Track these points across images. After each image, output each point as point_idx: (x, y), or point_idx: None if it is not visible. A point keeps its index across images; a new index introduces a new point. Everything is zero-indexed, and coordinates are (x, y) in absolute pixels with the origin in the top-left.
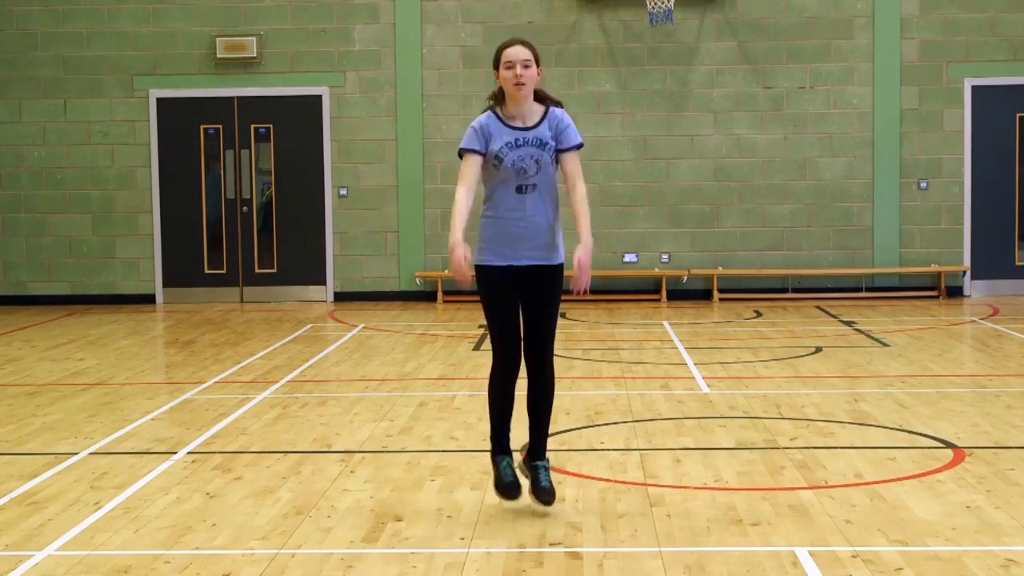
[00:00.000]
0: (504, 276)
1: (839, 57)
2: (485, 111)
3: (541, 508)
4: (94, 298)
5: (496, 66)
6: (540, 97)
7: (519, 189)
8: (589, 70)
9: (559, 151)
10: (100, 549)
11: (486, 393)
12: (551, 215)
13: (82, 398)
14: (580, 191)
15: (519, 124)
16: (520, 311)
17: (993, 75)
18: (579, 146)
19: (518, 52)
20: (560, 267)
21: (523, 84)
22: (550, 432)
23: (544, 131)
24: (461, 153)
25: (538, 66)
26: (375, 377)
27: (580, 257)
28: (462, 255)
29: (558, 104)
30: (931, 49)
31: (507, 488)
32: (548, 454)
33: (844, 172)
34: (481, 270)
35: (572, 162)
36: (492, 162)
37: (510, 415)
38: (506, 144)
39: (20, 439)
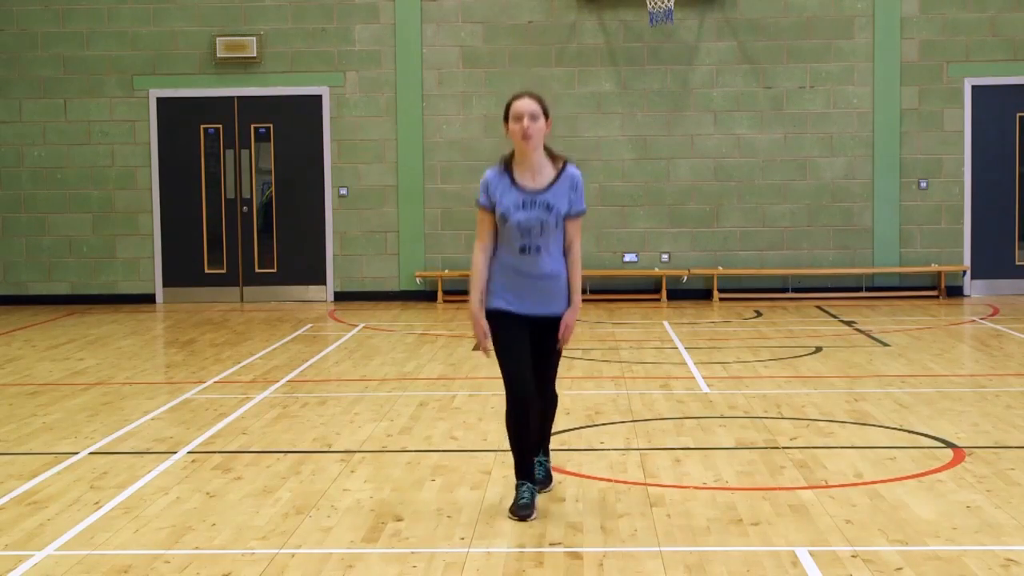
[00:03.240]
0: (512, 318)
1: (839, 57)
2: (497, 165)
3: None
4: (94, 298)
5: (505, 119)
6: (553, 155)
7: (522, 250)
8: (589, 70)
9: (567, 217)
10: (100, 549)
11: (486, 393)
12: (555, 269)
13: (82, 398)
14: (575, 253)
15: (528, 184)
16: (529, 349)
17: (993, 75)
18: (583, 213)
19: (526, 105)
20: None
21: (531, 137)
22: (554, 430)
23: (554, 195)
24: (476, 202)
25: (547, 118)
26: (375, 377)
27: (567, 318)
28: (482, 327)
29: (570, 160)
30: (931, 49)
31: (519, 508)
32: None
33: (844, 172)
34: (491, 313)
35: (574, 227)
36: (500, 218)
37: (530, 448)
38: (512, 204)
39: (20, 439)
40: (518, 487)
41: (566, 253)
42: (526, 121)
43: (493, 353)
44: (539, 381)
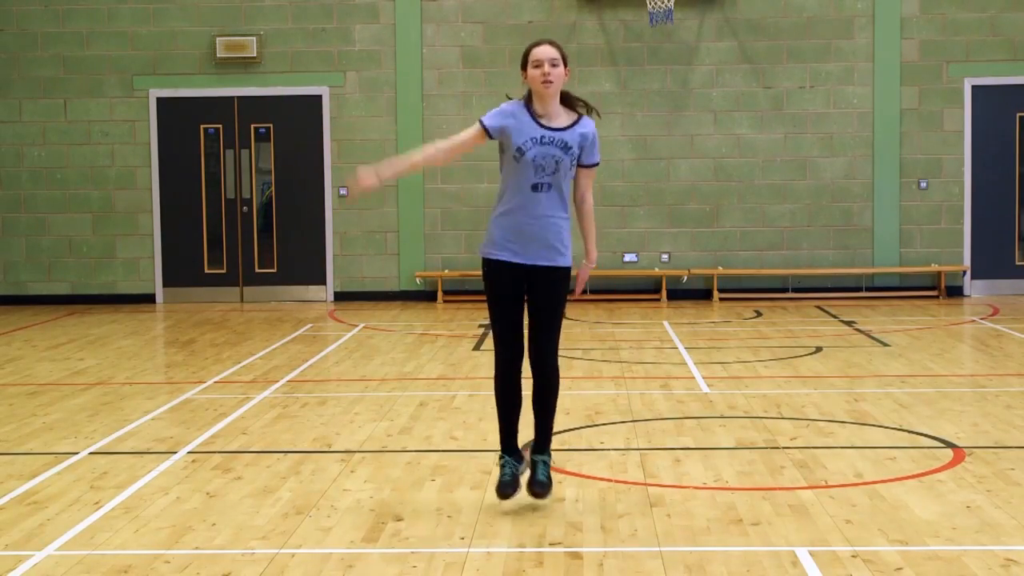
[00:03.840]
0: (511, 272)
1: (839, 57)
2: (515, 100)
3: (538, 503)
4: (94, 298)
5: (524, 66)
6: (570, 102)
7: (535, 187)
8: (589, 70)
9: (580, 165)
10: (100, 549)
11: (486, 393)
12: (563, 217)
13: (82, 398)
14: (589, 204)
15: (547, 123)
16: (523, 308)
17: (993, 75)
18: (597, 164)
19: (546, 51)
20: (567, 270)
21: (551, 82)
22: (554, 430)
23: (571, 136)
24: (480, 121)
25: (566, 66)
26: (375, 377)
27: (583, 271)
28: (365, 181)
29: (585, 104)
30: (931, 49)
31: (501, 487)
32: (551, 451)
33: (844, 172)
34: (489, 264)
35: (587, 177)
36: (513, 154)
37: (516, 412)
38: (531, 139)
39: (20, 439)
40: (500, 464)
41: (579, 205)
42: (547, 67)
43: (487, 309)
44: (536, 351)
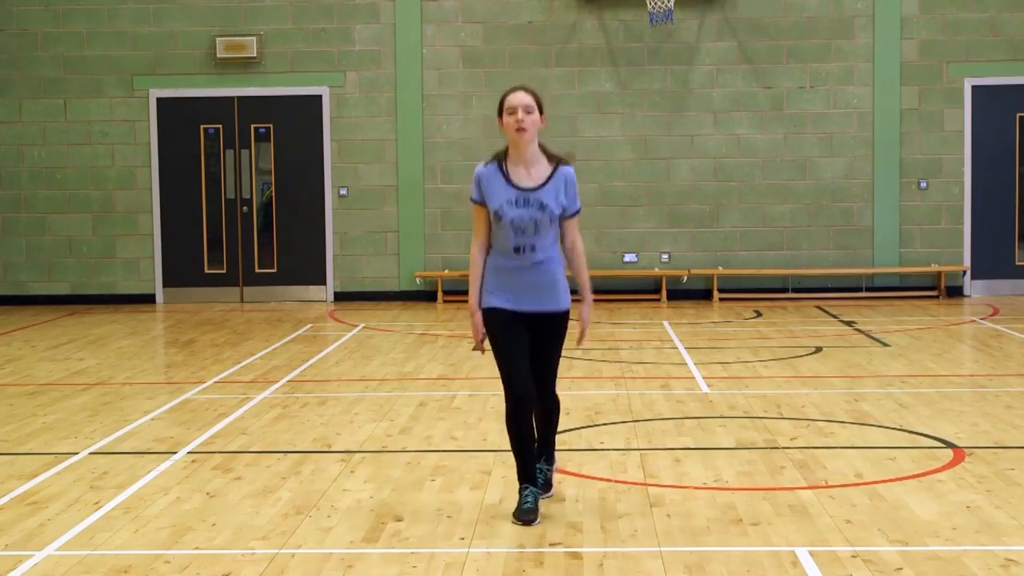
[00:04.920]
0: (510, 316)
1: (839, 57)
2: (490, 161)
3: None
4: (94, 298)
5: (500, 113)
6: (548, 153)
7: (516, 249)
8: (589, 70)
9: (562, 217)
10: (100, 549)
11: (486, 393)
12: (551, 263)
13: (82, 398)
14: (578, 249)
15: (523, 182)
16: (527, 346)
17: (993, 75)
18: (578, 212)
19: (520, 98)
20: (565, 314)
21: (525, 130)
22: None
23: (548, 194)
24: (471, 198)
25: (541, 112)
26: (375, 377)
27: (583, 314)
28: (478, 323)
29: (563, 160)
30: (931, 49)
31: (524, 513)
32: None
33: (844, 172)
34: (487, 312)
35: (571, 227)
36: (493, 216)
37: (531, 445)
38: (507, 201)
39: (20, 439)
40: (521, 491)
41: (568, 252)
42: (520, 114)
43: (491, 352)
44: (539, 384)
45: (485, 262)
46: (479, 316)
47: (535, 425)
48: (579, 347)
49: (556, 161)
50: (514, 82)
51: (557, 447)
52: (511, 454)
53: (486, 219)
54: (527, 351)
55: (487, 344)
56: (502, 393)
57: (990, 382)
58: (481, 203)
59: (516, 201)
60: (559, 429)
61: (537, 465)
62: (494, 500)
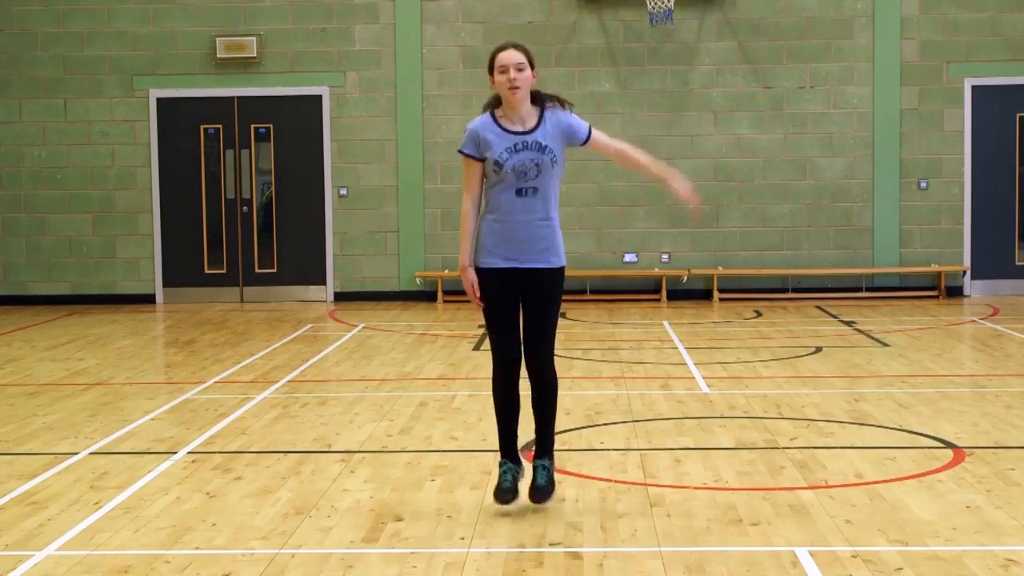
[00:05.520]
0: (504, 278)
1: (839, 57)
2: (478, 117)
3: (537, 506)
4: (94, 298)
5: (491, 71)
6: (536, 99)
7: (519, 192)
8: (589, 70)
9: (582, 145)
10: (100, 549)
11: (486, 393)
12: (551, 218)
13: (82, 398)
14: (623, 145)
15: (518, 128)
16: (519, 312)
17: (993, 75)
18: (591, 129)
19: (511, 56)
20: (561, 271)
21: (518, 88)
22: (556, 431)
23: (543, 134)
24: (461, 152)
25: (532, 68)
26: (375, 377)
27: (682, 186)
28: (472, 278)
29: (554, 99)
30: (931, 49)
31: (501, 493)
32: (553, 455)
33: (844, 172)
34: (481, 272)
35: (598, 141)
36: (492, 167)
37: (515, 417)
38: (505, 149)
39: (20, 439)
40: (500, 468)
41: (622, 158)
42: (512, 72)
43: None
44: (533, 355)
45: (480, 221)
46: (472, 272)
47: (533, 413)
48: (696, 212)
49: (541, 104)
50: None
51: (557, 447)
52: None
53: (479, 173)
54: (518, 318)
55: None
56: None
57: (990, 382)
58: (473, 157)
59: (515, 147)
60: (560, 429)
61: (538, 462)
62: (494, 500)
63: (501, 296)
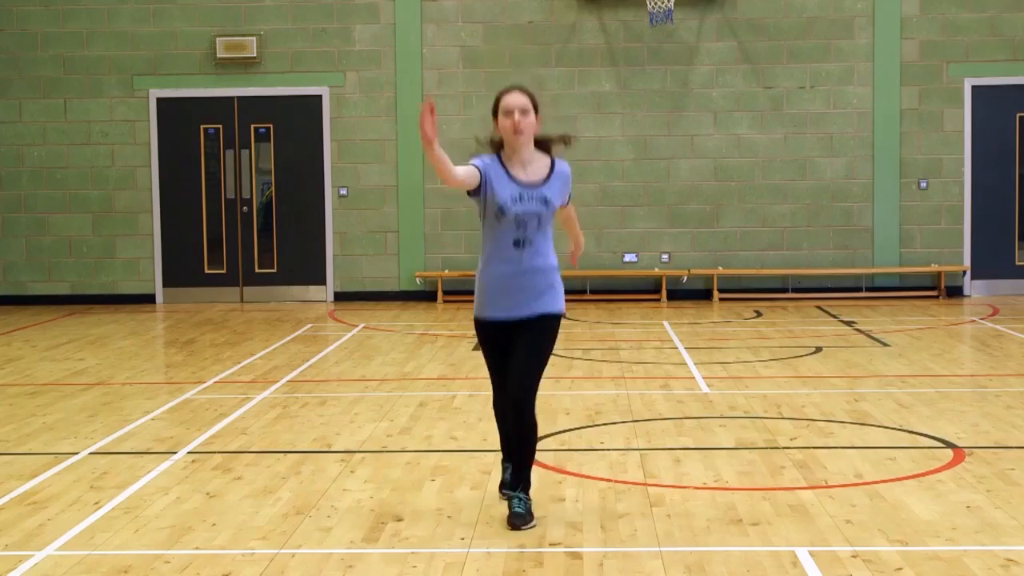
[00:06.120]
0: (501, 328)
1: (839, 57)
2: (487, 154)
3: (536, 503)
4: (94, 298)
5: (495, 114)
6: (544, 145)
7: (516, 243)
8: (589, 70)
9: (561, 207)
10: (100, 549)
11: (486, 393)
12: (548, 263)
13: (82, 398)
14: (573, 216)
15: (523, 177)
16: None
17: (993, 75)
18: (572, 197)
19: (516, 99)
20: (558, 317)
21: (522, 132)
22: (556, 431)
23: (550, 190)
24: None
25: (536, 113)
26: (375, 377)
27: (578, 244)
28: (428, 125)
29: (560, 141)
30: (931, 49)
31: (515, 518)
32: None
33: (844, 172)
34: (482, 323)
35: (570, 211)
36: (495, 213)
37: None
38: (510, 197)
39: (20, 439)
40: (503, 464)
41: (566, 222)
42: (517, 116)
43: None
44: (514, 398)
45: (478, 269)
46: (432, 133)
47: (511, 450)
48: (573, 264)
49: (550, 155)
50: (514, 82)
51: (557, 447)
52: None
53: (470, 178)
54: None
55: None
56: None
57: (990, 382)
58: (479, 169)
59: (520, 197)
60: (560, 429)
61: (513, 494)
62: (494, 500)
63: (502, 345)
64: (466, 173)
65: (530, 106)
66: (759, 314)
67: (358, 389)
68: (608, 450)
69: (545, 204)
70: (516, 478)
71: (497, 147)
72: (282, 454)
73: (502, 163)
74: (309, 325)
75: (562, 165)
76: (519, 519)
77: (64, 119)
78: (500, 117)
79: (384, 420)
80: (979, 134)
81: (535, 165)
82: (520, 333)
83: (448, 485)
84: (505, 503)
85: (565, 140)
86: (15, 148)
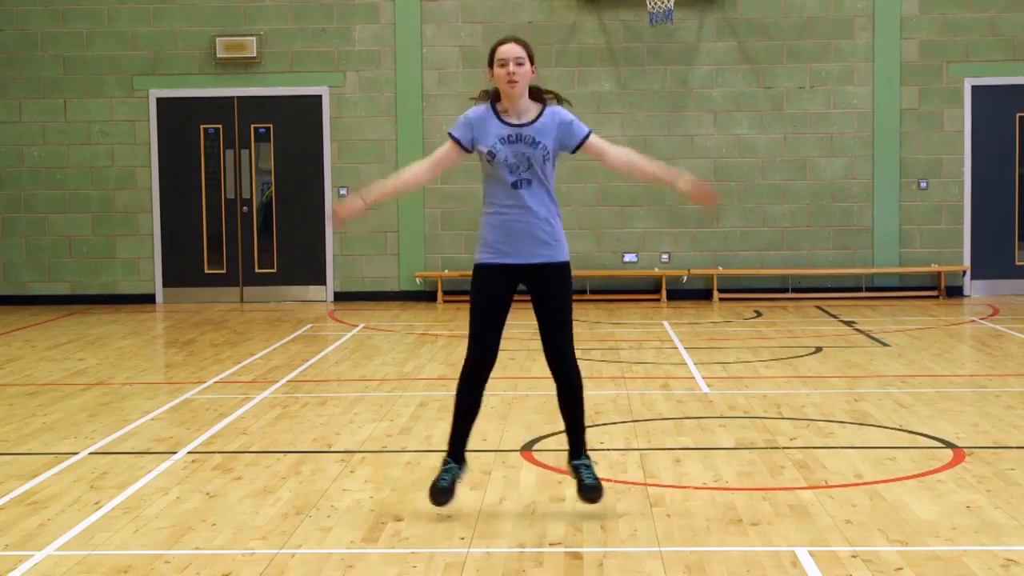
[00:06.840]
0: (499, 275)
1: (839, 57)
2: (481, 103)
3: (536, 503)
4: (94, 298)
5: (490, 64)
6: (536, 94)
7: (515, 184)
8: (589, 70)
9: (575, 150)
10: (100, 549)
11: (486, 393)
12: (550, 210)
13: (82, 398)
14: (622, 153)
15: (514, 120)
16: (507, 313)
17: (993, 75)
18: (590, 133)
19: (511, 50)
20: (566, 265)
21: (516, 82)
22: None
23: (538, 129)
24: (450, 133)
25: (532, 63)
26: (375, 377)
27: (686, 181)
28: (351, 207)
29: (553, 95)
30: (931, 49)
31: (437, 492)
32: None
33: (844, 172)
34: (480, 269)
35: (594, 146)
36: (485, 158)
37: (471, 418)
38: (499, 139)
39: (20, 439)
40: (443, 467)
41: (625, 166)
42: (512, 66)
43: (470, 309)
44: (555, 353)
45: (480, 215)
46: (358, 204)
47: (562, 414)
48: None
49: (543, 102)
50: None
51: (557, 447)
52: (511, 454)
53: (452, 158)
54: (503, 322)
55: (343, 214)
56: (501, 393)
57: (990, 382)
58: (459, 143)
59: (508, 137)
60: (560, 429)
61: (578, 462)
62: (494, 500)
63: (495, 295)
64: (440, 159)
65: (525, 56)
66: (759, 314)
67: (358, 389)
68: (608, 450)
69: (534, 144)
70: (578, 441)
71: (494, 97)
72: (282, 454)
73: (495, 111)
74: (309, 325)
75: (553, 110)
76: (594, 492)
77: (64, 119)
78: (495, 67)
79: (384, 420)
80: (979, 134)
81: (529, 112)
82: (533, 289)
83: None
84: (503, 504)
85: (559, 97)
86: (15, 148)
